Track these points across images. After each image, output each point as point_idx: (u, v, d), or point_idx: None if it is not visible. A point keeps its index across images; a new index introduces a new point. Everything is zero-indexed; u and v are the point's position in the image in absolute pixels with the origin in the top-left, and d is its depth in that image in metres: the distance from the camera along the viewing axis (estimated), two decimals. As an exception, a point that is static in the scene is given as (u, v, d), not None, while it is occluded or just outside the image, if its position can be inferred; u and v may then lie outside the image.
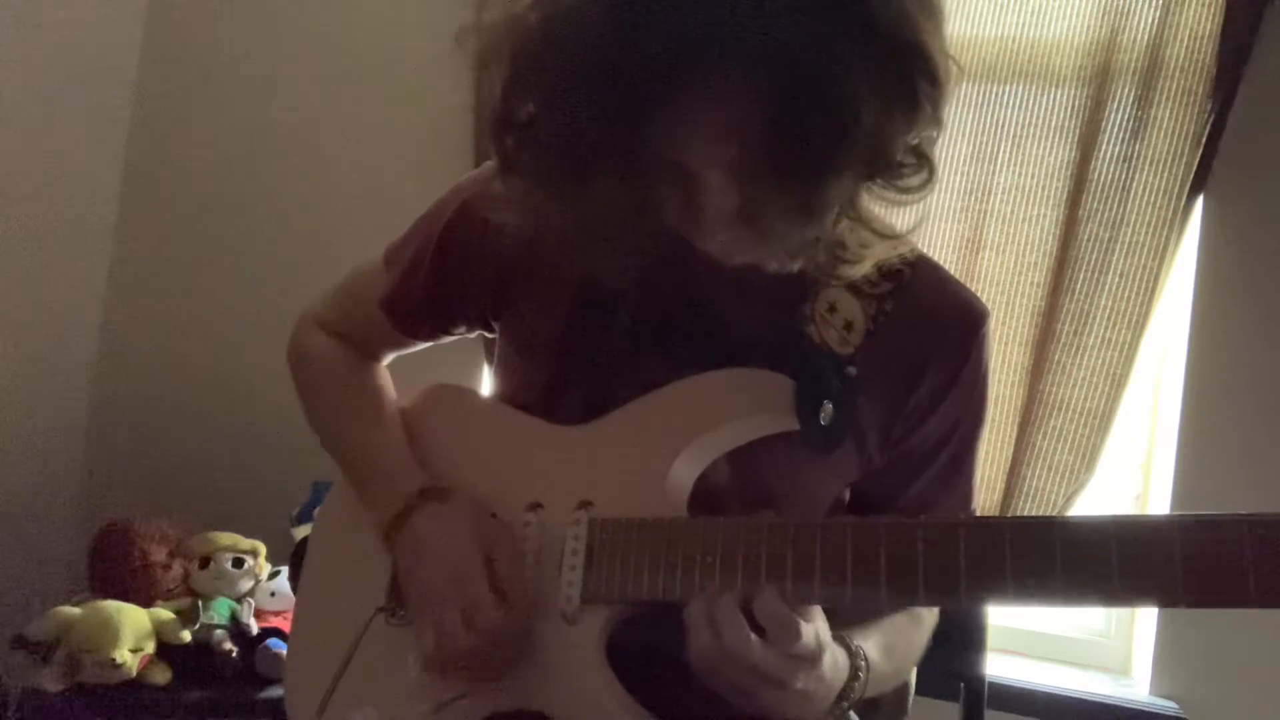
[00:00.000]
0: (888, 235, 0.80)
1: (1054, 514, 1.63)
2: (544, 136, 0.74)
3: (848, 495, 0.98)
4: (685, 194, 0.75)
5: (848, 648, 0.83)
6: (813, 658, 0.75)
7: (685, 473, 0.87)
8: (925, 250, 0.95)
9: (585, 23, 0.67)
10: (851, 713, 0.99)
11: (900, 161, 0.72)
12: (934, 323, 0.91)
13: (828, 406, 0.85)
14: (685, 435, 0.86)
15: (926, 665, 1.04)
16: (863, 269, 0.80)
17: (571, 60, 0.69)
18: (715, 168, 0.72)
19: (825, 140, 0.66)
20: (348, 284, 1.10)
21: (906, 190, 0.74)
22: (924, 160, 0.73)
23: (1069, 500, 1.67)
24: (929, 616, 1.00)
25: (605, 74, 0.67)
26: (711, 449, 0.87)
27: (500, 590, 0.86)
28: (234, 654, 1.56)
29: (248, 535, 1.74)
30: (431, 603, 0.87)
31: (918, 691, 1.15)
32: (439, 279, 1.00)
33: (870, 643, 0.86)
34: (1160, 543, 0.65)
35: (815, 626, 0.75)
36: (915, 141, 0.72)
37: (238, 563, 1.69)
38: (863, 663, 0.83)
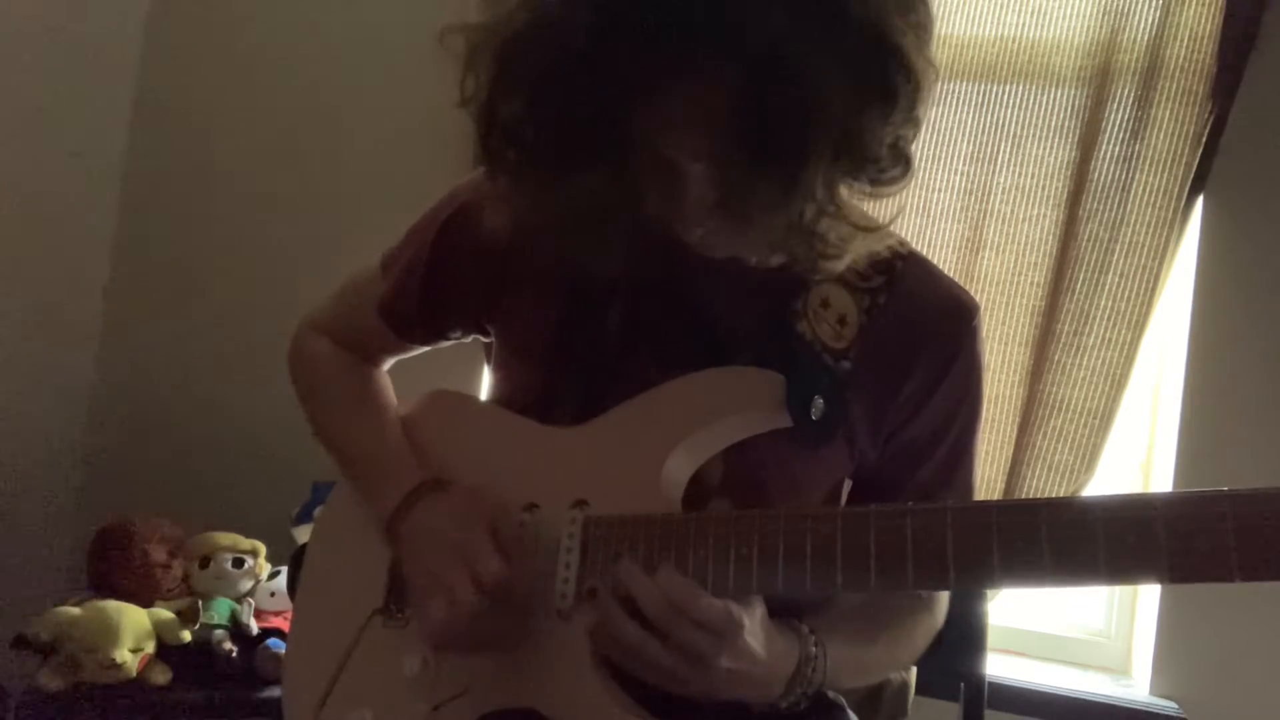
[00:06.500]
0: (868, 228, 0.80)
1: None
2: (529, 133, 0.75)
3: (846, 490, 0.98)
4: (667, 185, 0.76)
5: (797, 633, 0.83)
6: (725, 627, 0.75)
7: (679, 470, 0.87)
8: (925, 250, 0.96)
9: (568, 19, 0.69)
10: (850, 713, 0.99)
11: (877, 156, 0.72)
12: (924, 316, 0.92)
13: (819, 402, 0.85)
14: (678, 433, 0.87)
15: (926, 665, 1.04)
16: (843, 263, 0.80)
17: (555, 55, 0.70)
18: (694, 158, 0.73)
19: (798, 131, 0.67)
20: (346, 290, 1.12)
21: (882, 185, 0.75)
22: (900, 156, 0.74)
23: (1069, 500, 1.66)
24: (929, 614, 0.99)
25: (586, 68, 0.69)
26: (705, 446, 0.88)
27: (504, 550, 0.86)
28: (234, 654, 1.56)
29: (248, 535, 1.74)
30: (437, 577, 0.86)
31: (918, 691, 1.15)
32: (433, 284, 1.01)
33: (836, 633, 0.86)
34: (1145, 520, 0.65)
35: (730, 603, 0.76)
36: (893, 140, 0.72)
37: (238, 563, 1.69)
38: (814, 649, 0.83)
